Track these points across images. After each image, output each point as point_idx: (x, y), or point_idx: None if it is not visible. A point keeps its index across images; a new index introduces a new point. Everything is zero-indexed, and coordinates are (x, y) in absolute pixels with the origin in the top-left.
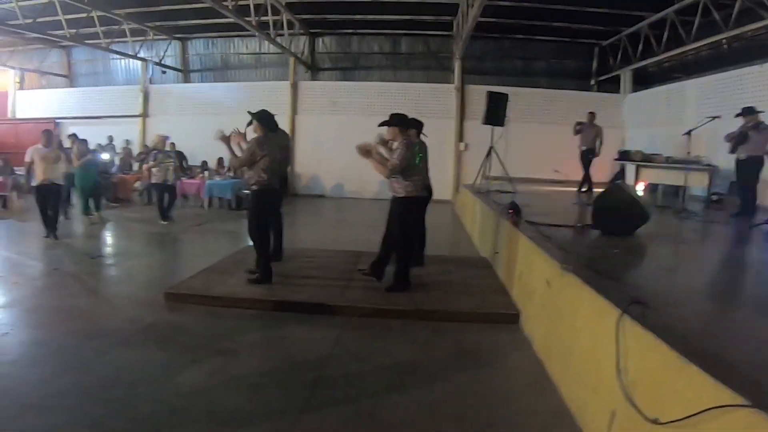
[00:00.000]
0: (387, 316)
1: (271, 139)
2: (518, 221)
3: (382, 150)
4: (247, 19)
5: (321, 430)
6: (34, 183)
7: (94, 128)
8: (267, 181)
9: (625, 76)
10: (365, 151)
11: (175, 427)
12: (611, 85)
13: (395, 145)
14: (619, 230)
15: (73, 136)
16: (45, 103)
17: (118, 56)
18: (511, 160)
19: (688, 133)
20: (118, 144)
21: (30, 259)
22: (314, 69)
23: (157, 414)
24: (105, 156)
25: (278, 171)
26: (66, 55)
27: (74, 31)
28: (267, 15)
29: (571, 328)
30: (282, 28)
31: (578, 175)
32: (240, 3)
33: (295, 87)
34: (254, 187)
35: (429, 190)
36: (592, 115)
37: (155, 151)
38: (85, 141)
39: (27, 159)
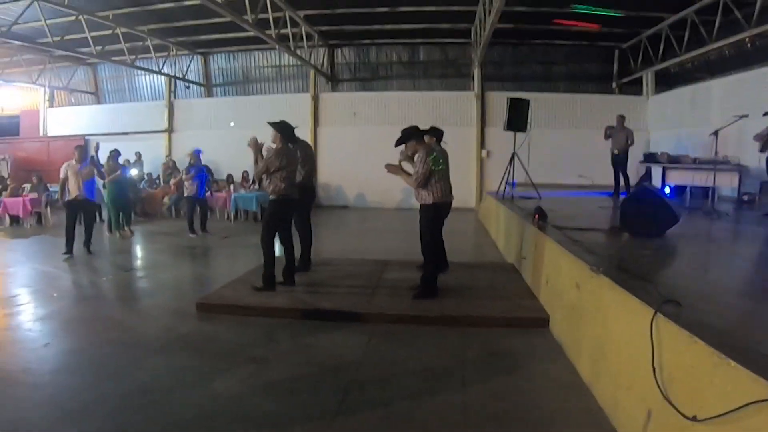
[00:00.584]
0: (415, 323)
1: (290, 150)
2: (544, 226)
3: (407, 165)
4: (267, 32)
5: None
6: (67, 198)
7: (122, 144)
8: (284, 191)
9: (648, 77)
10: (394, 169)
11: (211, 431)
12: (633, 88)
13: (416, 157)
14: (648, 232)
15: (115, 152)
16: (74, 120)
17: (142, 72)
18: (534, 166)
19: (715, 133)
20: (150, 159)
21: (66, 273)
22: (334, 80)
23: (193, 418)
24: (133, 171)
25: (298, 181)
26: (92, 72)
27: (100, 48)
28: (286, 28)
29: (603, 329)
30: (301, 40)
31: (604, 179)
32: (260, 17)
33: (316, 99)
34: (272, 197)
35: (452, 199)
36: (621, 117)
37: (189, 165)
38: (117, 156)
39: (62, 175)
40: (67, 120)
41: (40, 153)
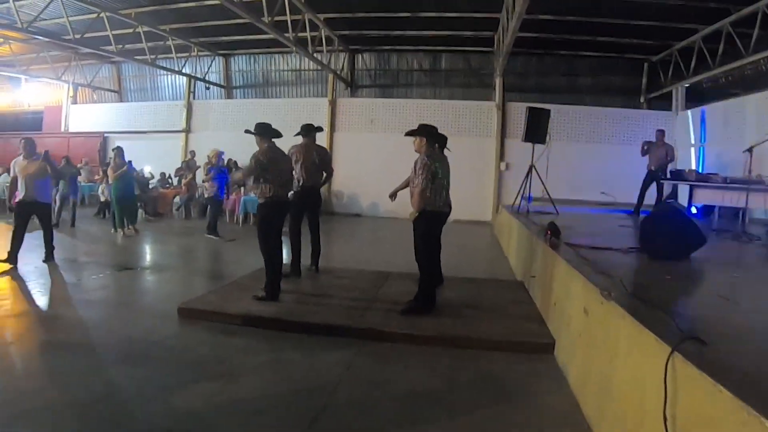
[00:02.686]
0: (407, 342)
1: (274, 151)
2: (557, 243)
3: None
4: (286, 35)
5: None
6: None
7: (141, 143)
8: (271, 194)
9: (678, 92)
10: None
11: None
12: (663, 102)
13: (419, 162)
14: (671, 254)
15: (119, 149)
16: (95, 117)
17: (164, 72)
18: (553, 181)
19: (749, 150)
20: (165, 159)
21: (58, 270)
22: (354, 86)
23: None
24: (147, 169)
25: (308, 184)
26: (116, 71)
27: (121, 46)
28: (306, 31)
29: (611, 363)
30: (321, 44)
31: (628, 197)
32: (278, 19)
33: (333, 104)
34: (260, 201)
35: (449, 205)
36: (661, 132)
37: (210, 166)
38: (121, 152)
39: (10, 173)
40: (88, 117)
41: (60, 149)
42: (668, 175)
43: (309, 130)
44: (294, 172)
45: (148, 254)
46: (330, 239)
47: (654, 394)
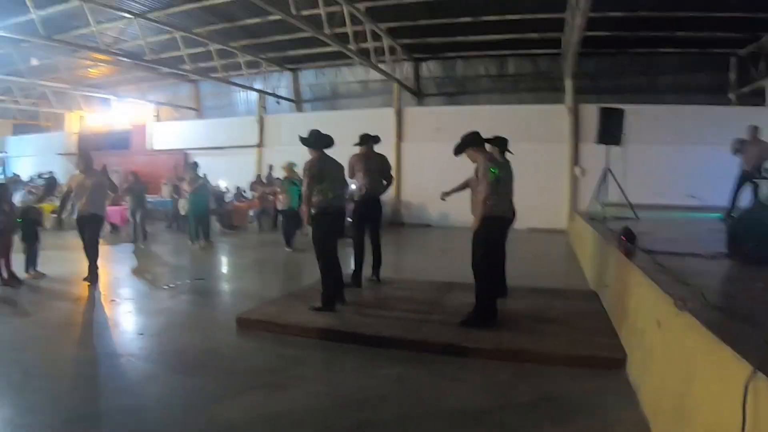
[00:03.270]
0: (462, 355)
1: (325, 159)
2: (631, 249)
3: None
4: (349, 46)
5: None
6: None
7: (218, 158)
8: (325, 204)
9: None
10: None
11: None
12: (755, 99)
13: (479, 169)
14: (764, 259)
15: (194, 163)
16: (176, 135)
17: (238, 89)
18: (634, 186)
19: None
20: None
21: (133, 279)
22: (420, 95)
23: None
24: (222, 183)
25: (341, 191)
26: (195, 89)
27: (195, 65)
28: (367, 41)
29: (686, 383)
30: (383, 54)
31: (719, 200)
32: (339, 31)
33: (399, 113)
34: (314, 211)
35: (513, 212)
36: (754, 129)
37: (279, 179)
38: (196, 166)
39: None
40: (170, 134)
41: (146, 166)
42: (763, 175)
43: (366, 139)
44: (354, 182)
45: (219, 266)
46: (396, 250)
47: (732, 420)
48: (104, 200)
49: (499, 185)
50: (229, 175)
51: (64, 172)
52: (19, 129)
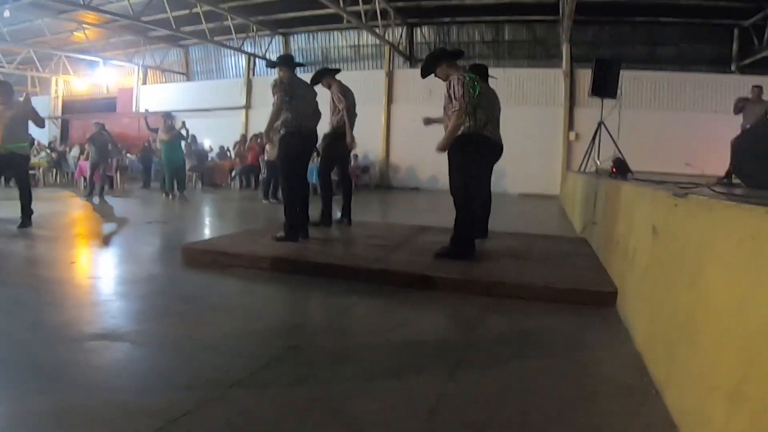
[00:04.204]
0: (429, 287)
1: (299, 80)
2: (623, 180)
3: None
4: (340, 6)
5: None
6: None
7: (205, 120)
8: (293, 124)
9: None
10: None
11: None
12: (758, 70)
13: (454, 86)
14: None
15: (166, 114)
16: (163, 98)
17: (229, 53)
18: (633, 151)
19: None
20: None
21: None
22: (412, 60)
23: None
24: (207, 142)
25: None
26: (184, 54)
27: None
28: (359, 3)
29: (692, 288)
30: (376, 18)
31: (717, 169)
32: None
33: (390, 75)
34: (281, 131)
35: (499, 144)
36: (758, 89)
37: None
38: (171, 116)
39: None
40: (157, 97)
41: (131, 128)
42: None
43: (327, 73)
44: (332, 114)
45: (182, 212)
46: (379, 207)
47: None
48: (26, 135)
49: (482, 100)
50: (216, 136)
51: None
52: None
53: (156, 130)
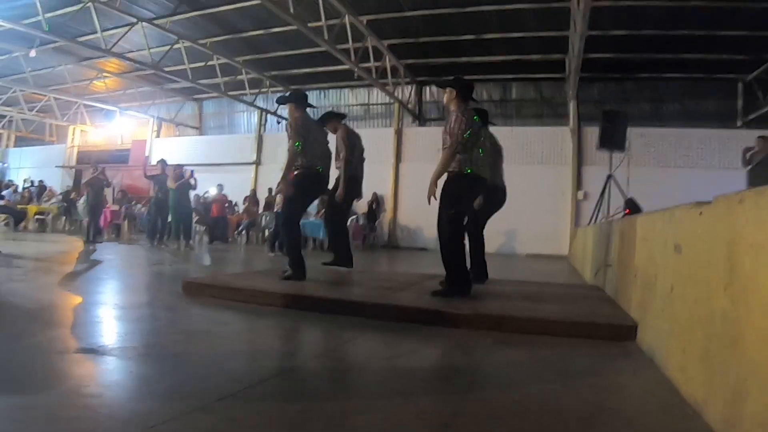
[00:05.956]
0: (439, 323)
1: (310, 120)
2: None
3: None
4: (350, 61)
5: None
6: None
7: (216, 174)
8: (307, 165)
9: None
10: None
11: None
12: (763, 125)
13: (454, 117)
14: None
15: (161, 161)
16: (176, 151)
17: (241, 108)
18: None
19: None
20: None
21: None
22: (421, 118)
23: None
24: (212, 191)
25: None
26: (198, 108)
27: (200, 80)
28: (369, 61)
29: (729, 289)
30: (385, 76)
31: None
32: (341, 47)
33: (399, 133)
34: (295, 172)
35: (501, 189)
36: (763, 139)
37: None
38: (179, 165)
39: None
40: (170, 150)
41: (143, 180)
42: None
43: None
44: (336, 160)
45: (183, 258)
46: (387, 263)
47: None
48: None
49: (478, 141)
50: (226, 191)
51: (61, 184)
52: (24, 142)
53: (153, 178)
